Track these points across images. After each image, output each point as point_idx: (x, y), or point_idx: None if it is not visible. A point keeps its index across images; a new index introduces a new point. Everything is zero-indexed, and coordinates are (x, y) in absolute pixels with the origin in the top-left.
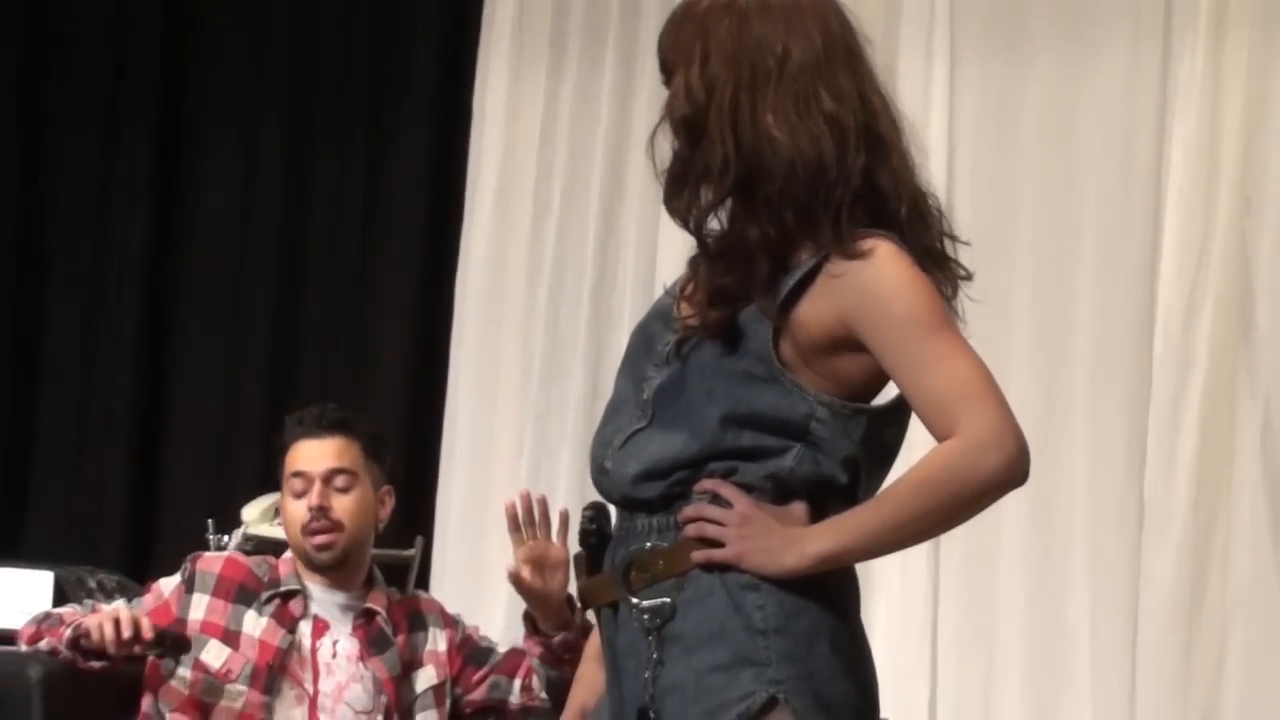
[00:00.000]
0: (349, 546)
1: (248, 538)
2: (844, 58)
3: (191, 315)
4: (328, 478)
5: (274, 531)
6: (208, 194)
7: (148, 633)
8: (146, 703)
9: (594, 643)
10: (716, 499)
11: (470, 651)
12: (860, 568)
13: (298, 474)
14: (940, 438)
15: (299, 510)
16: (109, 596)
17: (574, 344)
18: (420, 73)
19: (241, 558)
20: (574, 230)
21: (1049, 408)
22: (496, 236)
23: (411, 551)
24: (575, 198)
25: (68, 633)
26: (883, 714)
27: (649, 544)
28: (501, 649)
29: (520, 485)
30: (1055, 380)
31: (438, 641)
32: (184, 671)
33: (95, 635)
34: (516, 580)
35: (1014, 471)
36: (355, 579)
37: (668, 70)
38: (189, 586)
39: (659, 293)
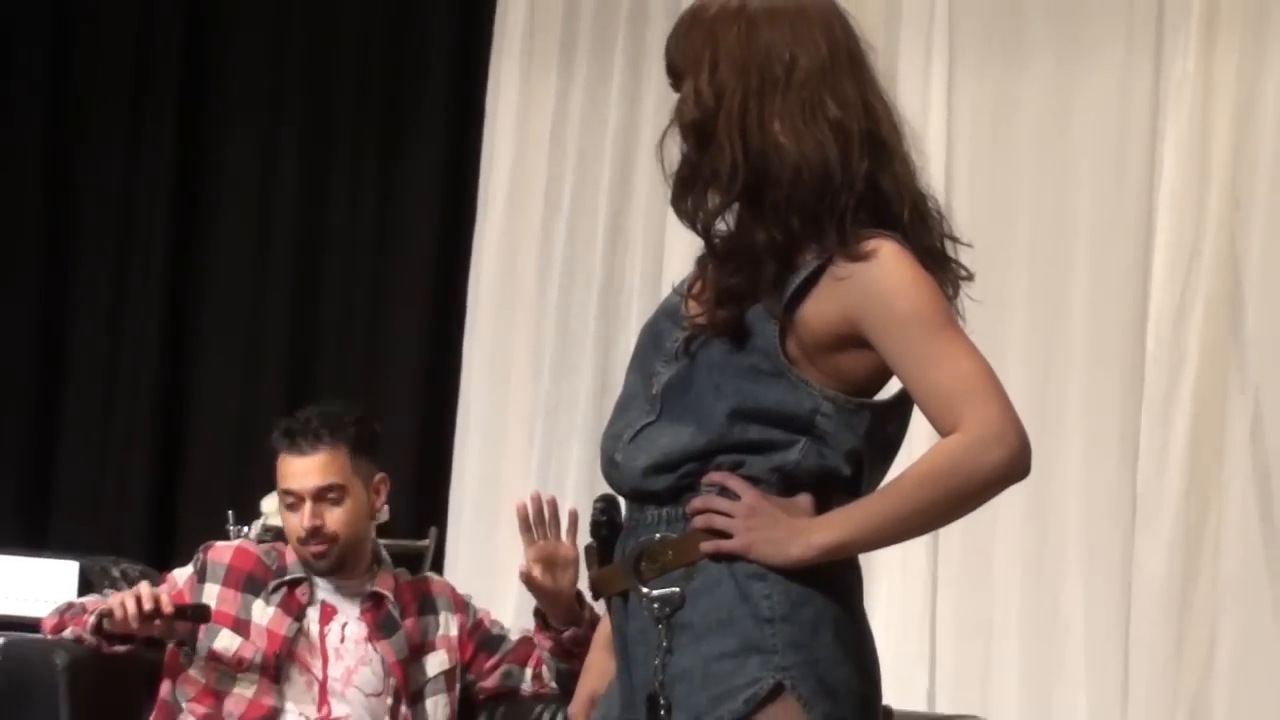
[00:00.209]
0: (345, 551)
1: (267, 529)
2: (848, 64)
3: (212, 312)
4: (317, 495)
5: None
6: (228, 193)
7: (167, 607)
8: (165, 689)
9: (603, 630)
10: (724, 491)
11: (483, 638)
12: (861, 558)
13: (288, 491)
14: (944, 433)
15: (294, 523)
16: (131, 586)
17: (583, 340)
18: (434, 76)
19: (251, 547)
20: (583, 230)
21: (1044, 403)
22: (508, 236)
23: (426, 542)
24: (584, 198)
25: (91, 619)
26: (884, 700)
27: (658, 535)
28: (513, 636)
29: (531, 477)
30: (1050, 377)
31: (449, 626)
32: (201, 660)
33: (118, 612)
34: (528, 579)
35: (1016, 466)
36: (358, 569)
37: (676, 75)
38: (201, 576)
39: (666, 291)
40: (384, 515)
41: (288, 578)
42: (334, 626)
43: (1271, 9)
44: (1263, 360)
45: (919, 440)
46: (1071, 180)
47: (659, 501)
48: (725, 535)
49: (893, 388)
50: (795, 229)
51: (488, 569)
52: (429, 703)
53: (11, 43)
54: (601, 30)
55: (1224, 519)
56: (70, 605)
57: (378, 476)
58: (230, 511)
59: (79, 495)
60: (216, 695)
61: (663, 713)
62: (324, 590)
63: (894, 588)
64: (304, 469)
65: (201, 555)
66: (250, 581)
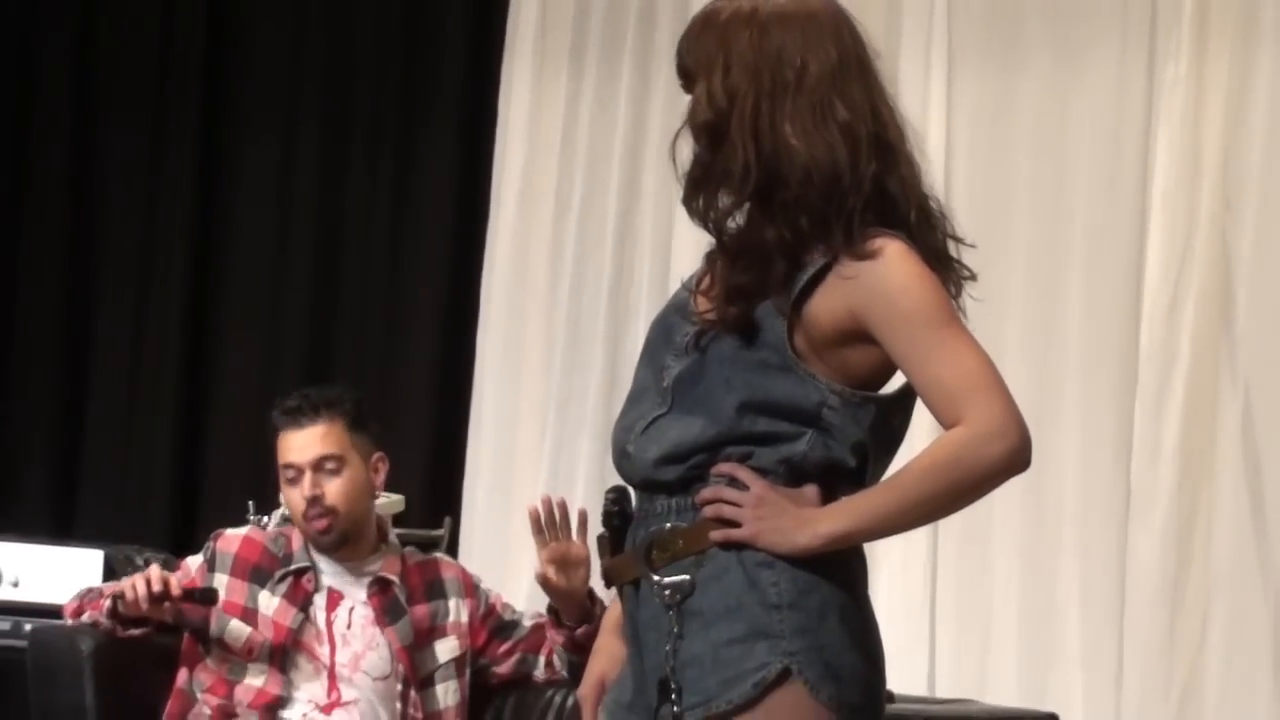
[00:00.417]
0: (347, 526)
1: (286, 519)
2: (856, 70)
3: (233, 308)
4: (316, 465)
5: None
6: (248, 193)
7: (176, 589)
8: (182, 678)
9: (611, 614)
10: (733, 481)
11: (496, 625)
12: (864, 547)
13: (288, 465)
14: (947, 426)
15: (295, 498)
16: None
17: (593, 336)
18: (448, 80)
19: (258, 535)
20: (593, 229)
21: (1040, 398)
22: (520, 235)
23: (440, 531)
24: (594, 198)
25: (106, 603)
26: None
27: (669, 524)
28: (526, 620)
29: (542, 468)
30: (1046, 372)
31: (460, 612)
32: (214, 654)
33: (129, 594)
34: (544, 581)
35: (1017, 459)
36: (362, 549)
37: (688, 77)
38: (211, 565)
39: (673, 288)
40: (399, 505)
41: (293, 567)
42: (340, 612)
43: (1260, 14)
44: (1253, 356)
45: (921, 433)
46: (1067, 180)
47: (669, 491)
48: (734, 524)
49: (897, 382)
50: (804, 228)
51: (501, 556)
52: (439, 688)
53: (38, 45)
54: (611, 34)
55: (1215, 510)
56: (89, 590)
57: (376, 455)
58: (250, 501)
59: (104, 486)
60: (229, 684)
61: (674, 696)
62: (329, 576)
63: (895, 576)
64: (303, 441)
65: (212, 544)
66: (256, 572)
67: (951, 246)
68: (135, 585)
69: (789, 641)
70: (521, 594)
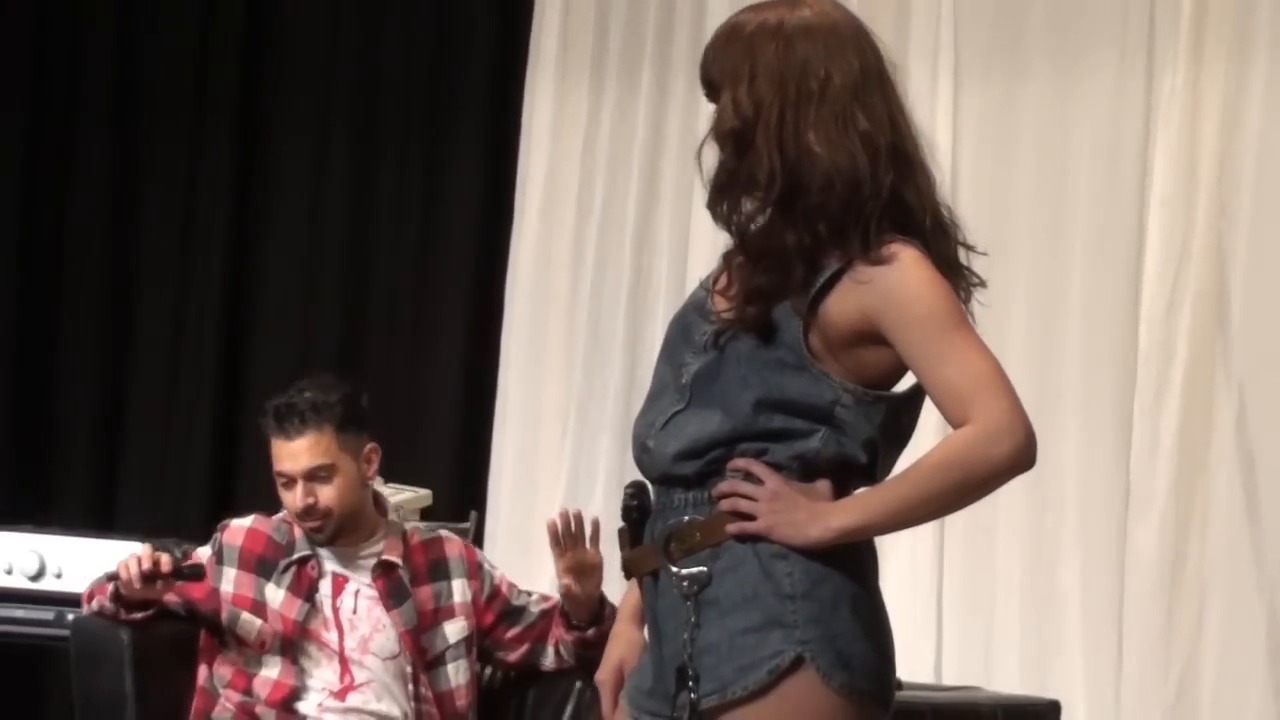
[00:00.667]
0: (340, 523)
1: None
2: (876, 82)
3: (268, 306)
4: (308, 475)
5: None
6: (282, 200)
7: (166, 566)
8: (202, 675)
9: (628, 602)
10: (749, 476)
11: (504, 609)
12: (874, 540)
13: (280, 473)
14: (956, 425)
15: (290, 500)
16: None
17: (613, 337)
18: (474, 91)
19: (263, 525)
20: (613, 233)
21: (1043, 396)
22: (543, 239)
23: (467, 524)
24: (614, 204)
25: (110, 587)
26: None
27: (687, 517)
28: (534, 606)
29: (564, 463)
30: (1048, 371)
31: (465, 592)
32: (230, 645)
33: (123, 574)
34: (566, 591)
35: (1023, 457)
36: (359, 535)
37: (712, 87)
38: (219, 558)
39: (690, 290)
40: (427, 500)
41: (295, 556)
42: (346, 597)
43: (1254, 28)
44: (1247, 355)
45: (928, 432)
46: (1068, 186)
47: (686, 485)
48: (749, 518)
49: (906, 382)
50: (823, 234)
51: (524, 548)
52: (450, 668)
53: (80, 53)
54: (630, 48)
55: (1211, 504)
56: (101, 576)
57: (368, 447)
58: None
59: (144, 480)
60: (247, 676)
61: (691, 683)
62: (331, 561)
63: (903, 568)
64: (292, 452)
65: (219, 536)
66: (261, 564)
67: (961, 254)
68: (128, 566)
69: (802, 630)
70: (545, 581)
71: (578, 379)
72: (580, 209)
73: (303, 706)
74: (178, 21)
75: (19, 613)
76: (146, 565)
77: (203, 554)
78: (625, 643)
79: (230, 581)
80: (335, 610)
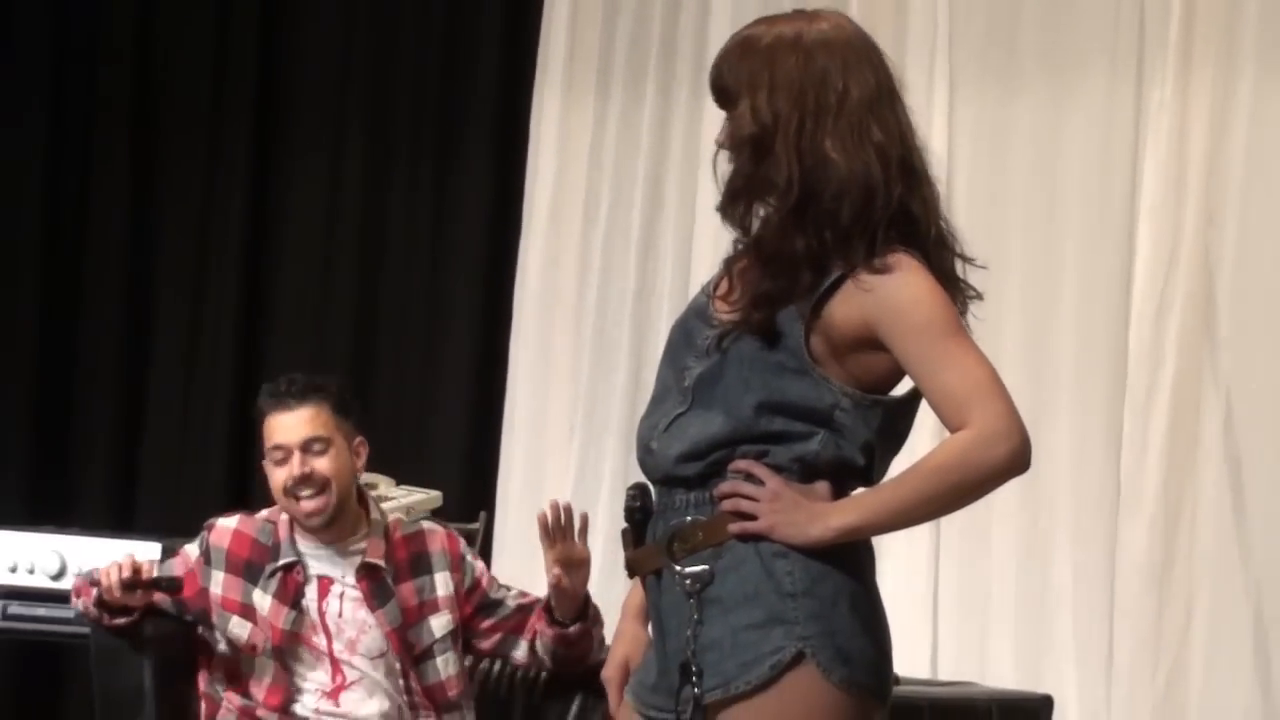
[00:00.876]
0: (336, 504)
1: None
2: (888, 98)
3: (283, 309)
4: (304, 446)
5: None
6: (298, 205)
7: (147, 573)
8: (203, 681)
9: (631, 601)
10: (750, 477)
11: (481, 601)
12: (872, 539)
13: (277, 446)
14: (953, 429)
15: (282, 476)
16: None
17: (618, 342)
18: (484, 103)
19: (247, 526)
20: (618, 241)
21: (1036, 399)
22: (550, 247)
23: (476, 525)
24: (619, 213)
25: (95, 592)
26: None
27: (689, 518)
28: (511, 600)
29: (571, 465)
30: (1042, 375)
31: (448, 585)
32: (224, 649)
33: (104, 580)
34: (556, 583)
35: (1018, 460)
36: (346, 529)
37: (727, 95)
38: (206, 558)
39: (693, 296)
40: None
41: (281, 562)
42: (331, 600)
43: (1240, 42)
44: (1234, 360)
45: (926, 435)
46: (1060, 195)
47: (688, 486)
48: (751, 518)
49: (903, 387)
50: (829, 240)
51: (532, 548)
52: (438, 660)
53: (100, 66)
54: (635, 62)
55: (1199, 504)
56: (87, 573)
57: (357, 440)
58: None
59: (162, 481)
60: (244, 678)
61: (695, 679)
62: (316, 563)
63: (900, 567)
64: (291, 423)
65: (206, 536)
66: (249, 568)
67: (959, 266)
68: (109, 573)
69: (803, 627)
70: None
71: (584, 382)
72: (586, 217)
73: (299, 708)
74: (196, 33)
75: (41, 610)
76: (127, 573)
77: (191, 551)
78: (630, 640)
79: (219, 584)
80: (322, 614)
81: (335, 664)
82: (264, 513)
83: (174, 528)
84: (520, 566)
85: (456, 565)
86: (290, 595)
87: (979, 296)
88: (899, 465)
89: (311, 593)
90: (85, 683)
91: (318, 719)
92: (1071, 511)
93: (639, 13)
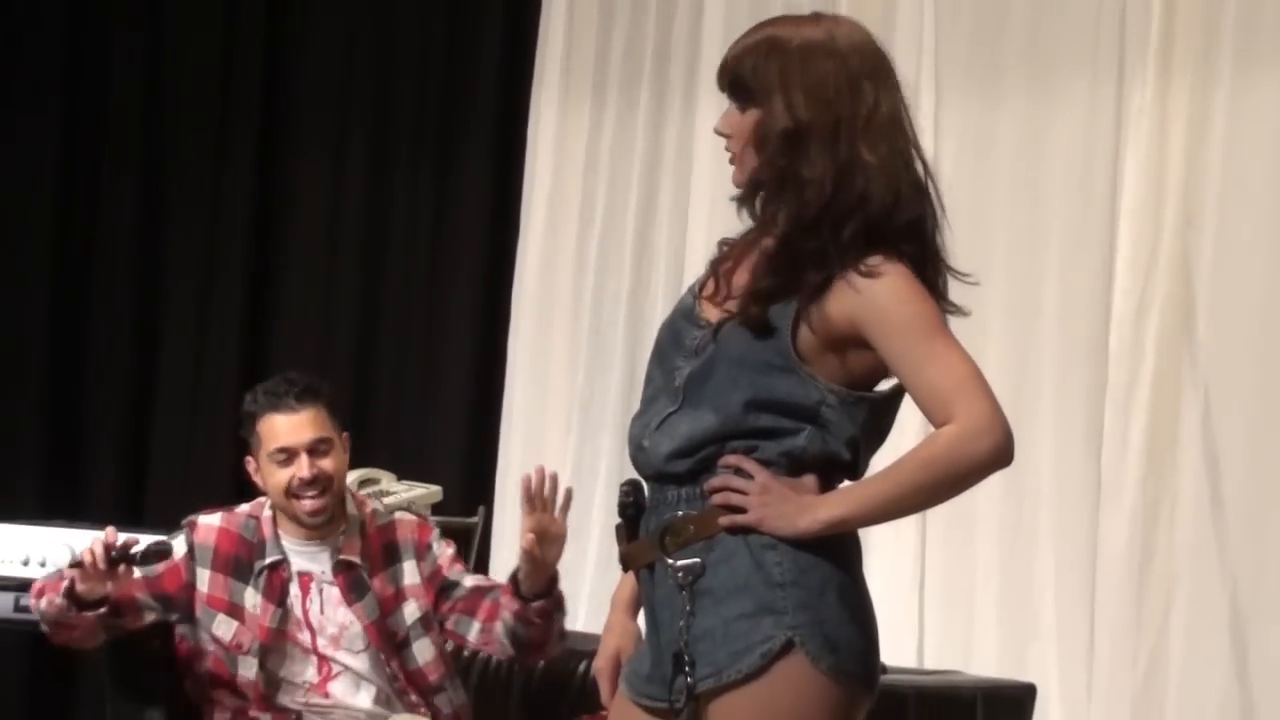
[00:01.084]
0: (336, 504)
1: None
2: (905, 114)
3: (287, 309)
4: (311, 448)
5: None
6: (301, 207)
7: (131, 544)
8: (189, 685)
9: (621, 594)
10: (740, 472)
11: (441, 584)
12: (859, 531)
13: (281, 448)
14: (937, 425)
15: (284, 477)
16: None
17: (614, 342)
18: (482, 110)
19: (232, 523)
20: (613, 244)
21: (1019, 396)
22: (547, 249)
23: (474, 520)
24: (614, 216)
25: (64, 584)
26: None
27: (680, 512)
28: (467, 581)
29: (568, 462)
30: (1024, 372)
31: (415, 573)
32: (209, 647)
33: (87, 559)
34: (528, 550)
35: (1001, 454)
36: (334, 529)
37: (748, 91)
38: (191, 556)
39: (680, 298)
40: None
41: (268, 561)
42: (313, 596)
43: (1219, 49)
44: (1212, 358)
45: (912, 430)
46: (1043, 199)
47: (679, 482)
48: (740, 511)
49: (886, 384)
50: (842, 242)
51: None
52: (415, 647)
53: (109, 68)
54: (630, 68)
55: (1178, 499)
56: (53, 573)
57: (344, 435)
58: None
59: (170, 478)
60: (231, 678)
61: (688, 668)
62: (297, 559)
63: (887, 558)
64: (297, 424)
65: (190, 535)
66: (236, 566)
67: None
68: (92, 549)
69: (792, 616)
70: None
71: (580, 381)
72: (582, 220)
73: (289, 702)
74: (204, 38)
75: None
76: (111, 540)
77: (178, 548)
78: (621, 632)
79: (205, 582)
80: (305, 611)
81: (321, 658)
82: (244, 507)
83: (180, 524)
84: (516, 561)
85: (423, 553)
86: (276, 594)
87: (966, 313)
88: (881, 461)
89: (295, 591)
90: (96, 671)
91: (309, 712)
92: (1054, 505)
93: (634, 21)
